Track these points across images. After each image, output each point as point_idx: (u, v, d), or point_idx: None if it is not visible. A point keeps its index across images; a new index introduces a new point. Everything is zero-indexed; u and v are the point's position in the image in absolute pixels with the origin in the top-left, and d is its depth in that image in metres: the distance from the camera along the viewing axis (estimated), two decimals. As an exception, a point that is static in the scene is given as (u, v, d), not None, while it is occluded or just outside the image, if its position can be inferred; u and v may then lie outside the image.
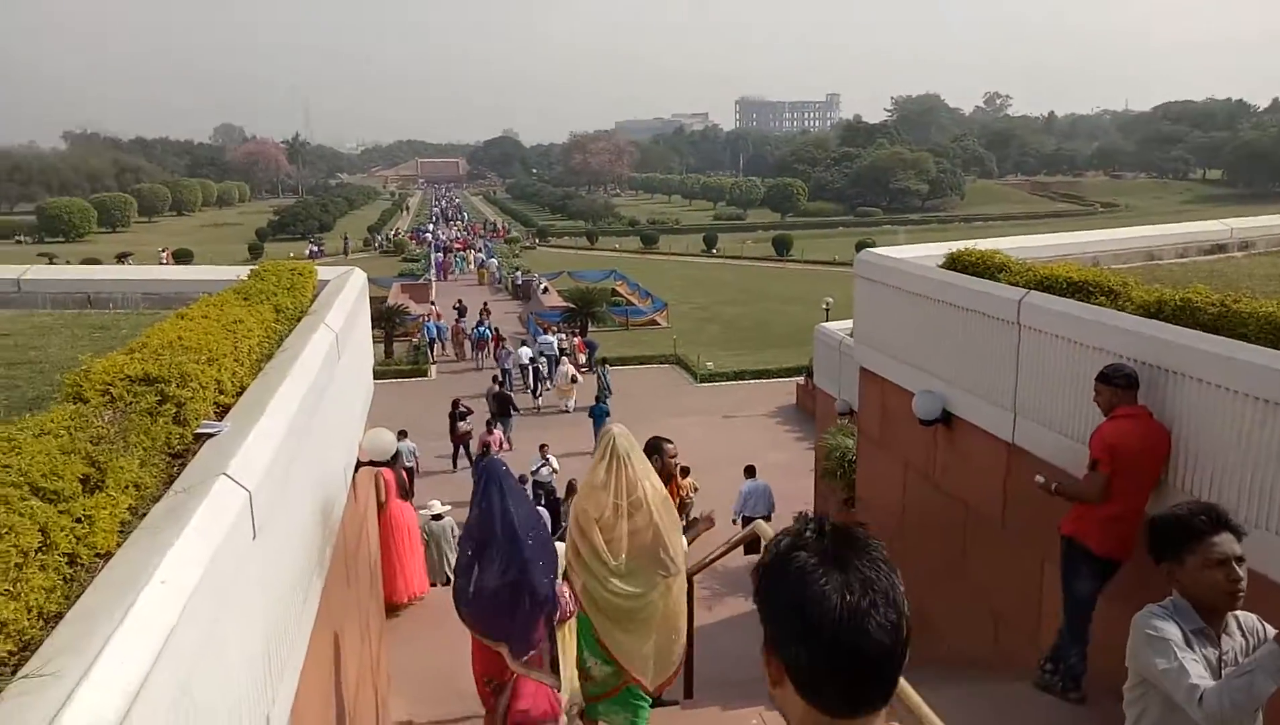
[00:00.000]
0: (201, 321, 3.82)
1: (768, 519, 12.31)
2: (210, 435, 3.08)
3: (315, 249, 61.14)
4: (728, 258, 60.13)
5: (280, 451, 3.06)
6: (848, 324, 9.82)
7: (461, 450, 19.49)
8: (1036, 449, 5.51)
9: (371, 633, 6.18)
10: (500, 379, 23.29)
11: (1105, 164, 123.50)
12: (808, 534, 1.33)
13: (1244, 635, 2.70)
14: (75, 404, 2.70)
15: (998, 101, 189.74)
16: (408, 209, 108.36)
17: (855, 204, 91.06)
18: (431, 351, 30.24)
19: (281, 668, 2.94)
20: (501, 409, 20.40)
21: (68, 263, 36.74)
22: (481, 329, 30.58)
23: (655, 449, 5.09)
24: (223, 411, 3.41)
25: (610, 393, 22.36)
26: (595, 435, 20.63)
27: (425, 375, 28.38)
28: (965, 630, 6.42)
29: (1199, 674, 2.55)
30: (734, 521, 13.13)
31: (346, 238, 66.33)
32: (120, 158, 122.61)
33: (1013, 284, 5.87)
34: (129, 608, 1.80)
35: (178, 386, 2.99)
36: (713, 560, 5.78)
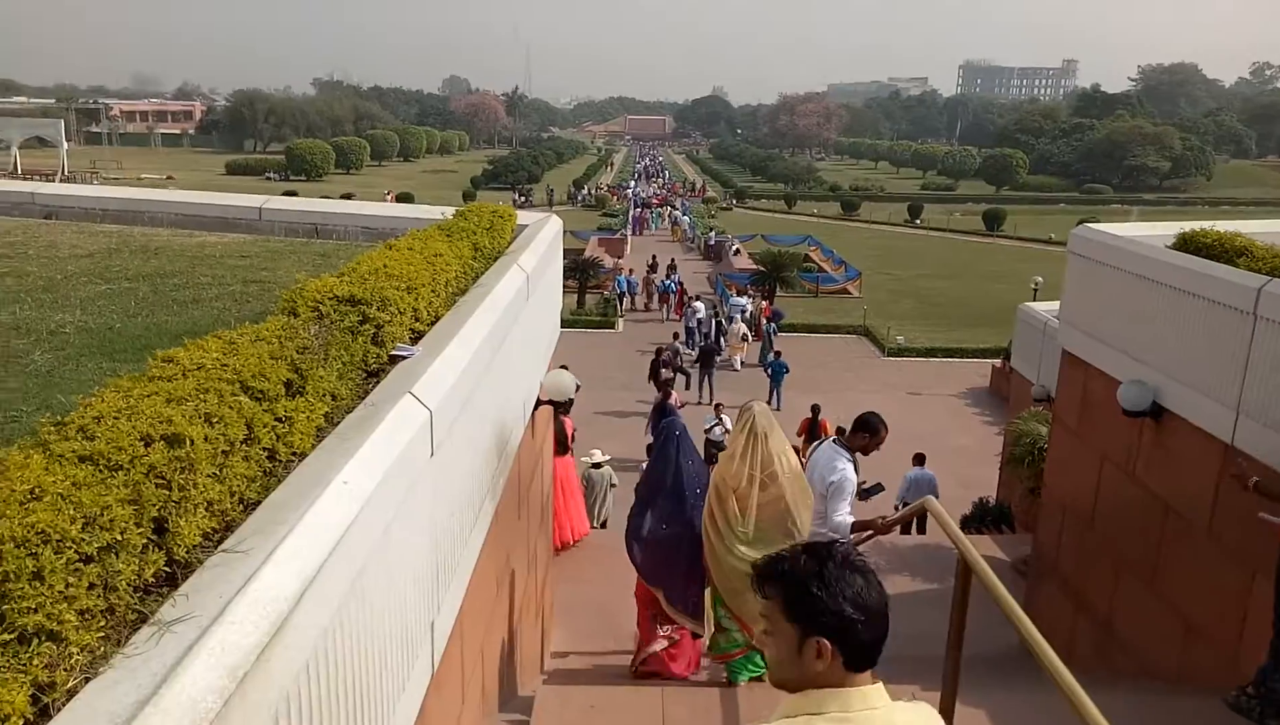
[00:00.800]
0: (406, 253, 4.07)
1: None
2: (403, 357, 3.30)
3: (520, 199, 63.87)
4: (932, 229, 57.48)
5: (462, 379, 3.24)
6: (1055, 306, 9.15)
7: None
8: (1260, 453, 4.94)
9: (539, 564, 6.48)
10: (679, 336, 23.57)
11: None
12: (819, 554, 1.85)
13: None
14: (288, 317, 2.96)
15: (1267, 73, 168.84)
16: (612, 165, 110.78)
17: (1083, 180, 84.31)
18: (620, 304, 30.95)
19: (449, 579, 3.13)
20: (705, 361, 21.06)
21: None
22: (668, 282, 31.36)
23: (868, 426, 5.44)
24: (416, 337, 3.65)
25: (772, 349, 22.69)
26: (771, 390, 20.67)
27: (613, 327, 29.13)
28: (1150, 639, 5.92)
29: None
30: (895, 508, 12.14)
31: (551, 190, 68.81)
32: (359, 104, 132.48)
33: (1254, 271, 5.26)
34: (313, 502, 1.97)
35: (378, 310, 3.21)
36: (874, 534, 5.68)
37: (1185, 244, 5.96)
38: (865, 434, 5.58)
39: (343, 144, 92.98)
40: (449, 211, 5.89)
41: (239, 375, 2.23)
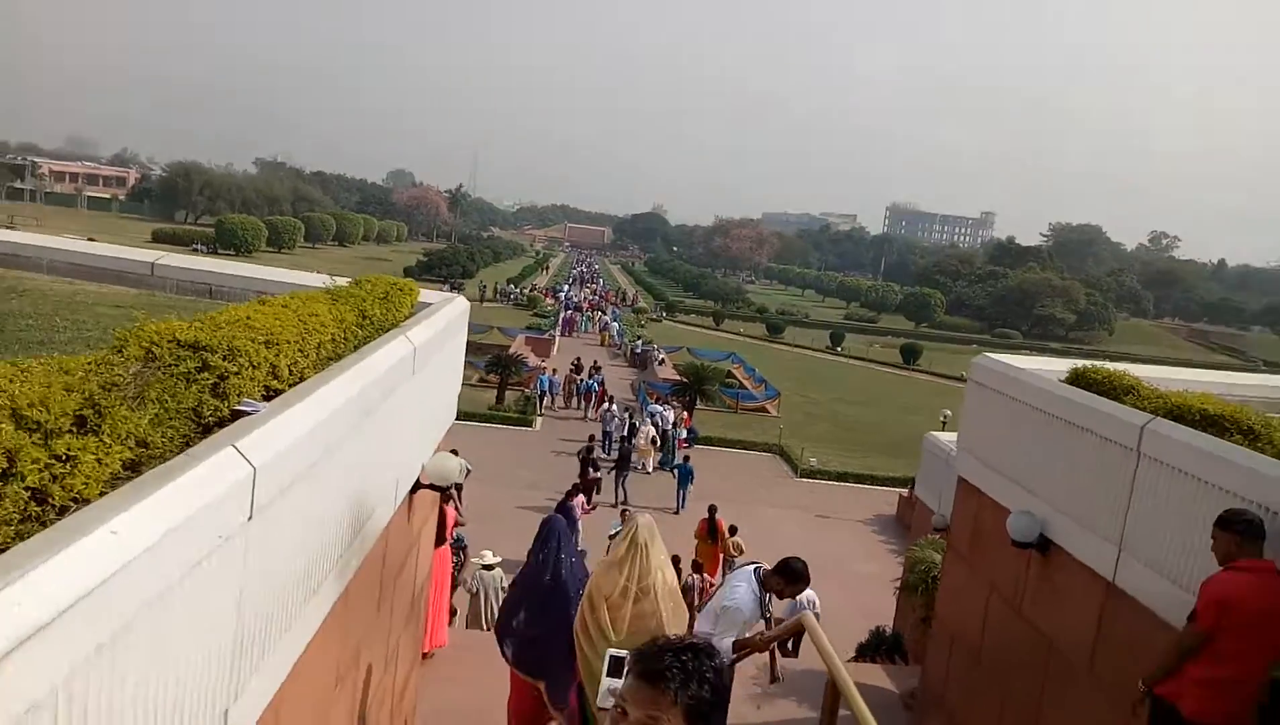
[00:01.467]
0: (279, 310, 3.84)
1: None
2: (247, 413, 3.04)
3: (448, 291, 63.90)
4: (852, 357, 59.14)
5: (306, 441, 2.98)
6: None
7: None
8: (1139, 593, 4.91)
9: (401, 662, 6.03)
10: (597, 437, 23.39)
11: (1277, 321, 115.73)
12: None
13: None
14: (112, 353, 2.69)
15: (1164, 241, 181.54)
16: (548, 268, 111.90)
17: (994, 324, 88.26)
18: (540, 403, 30.68)
19: (259, 662, 2.79)
20: (621, 465, 21.22)
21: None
22: (590, 382, 31.53)
23: (788, 572, 5.38)
24: (272, 394, 3.38)
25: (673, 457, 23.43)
26: (678, 493, 20.54)
27: (530, 425, 28.74)
28: (1036, 784, 5.74)
29: None
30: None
31: (484, 285, 68.98)
32: (299, 187, 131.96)
33: (1139, 408, 5.35)
34: (60, 550, 1.69)
35: (224, 358, 2.97)
36: (751, 651, 5.45)
37: (1077, 379, 6.08)
38: (783, 579, 5.44)
39: (277, 222, 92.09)
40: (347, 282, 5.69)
41: (13, 402, 1.95)
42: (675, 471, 21.97)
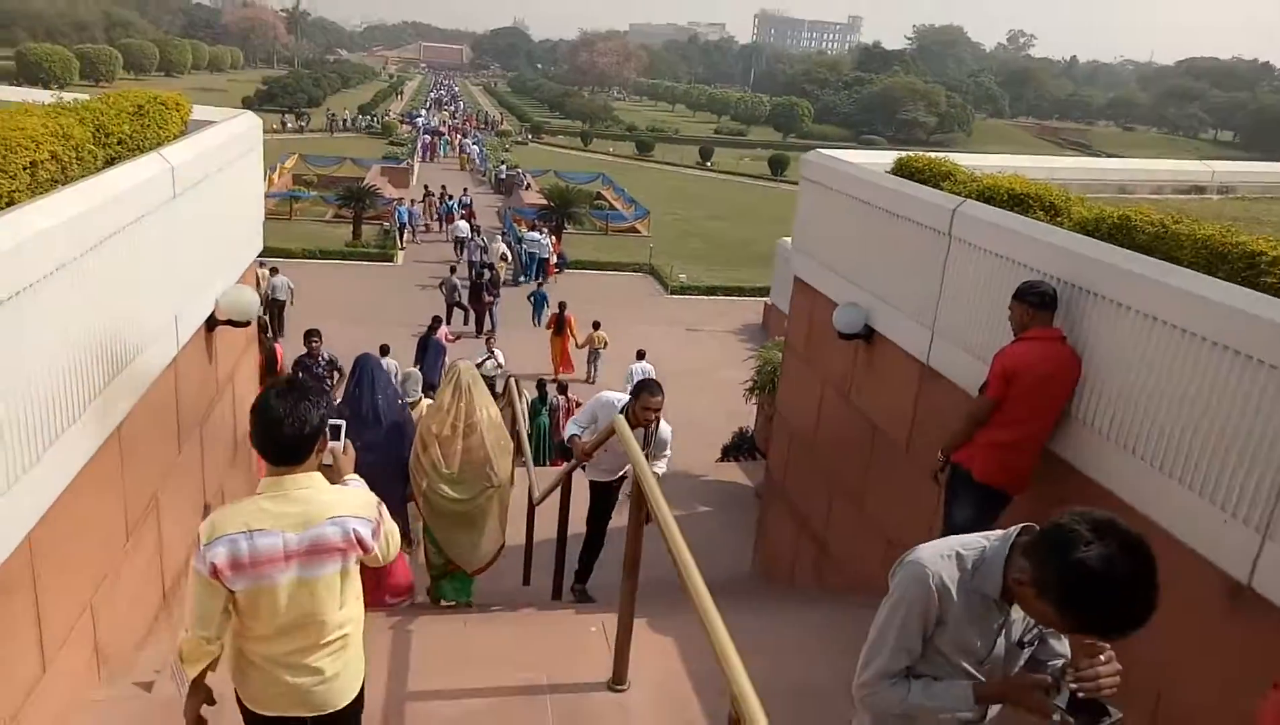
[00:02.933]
0: (-28, 124, 3.27)
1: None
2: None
3: (298, 123, 59.75)
4: (722, 172, 58.92)
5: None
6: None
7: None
8: (950, 372, 5.08)
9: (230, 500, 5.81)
10: (455, 268, 22.71)
11: (1120, 115, 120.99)
12: None
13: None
14: None
15: (1021, 40, 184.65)
16: (402, 93, 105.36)
17: (861, 131, 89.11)
18: (401, 237, 29.54)
19: None
20: (482, 291, 20.41)
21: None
22: (450, 203, 30.73)
23: (638, 393, 5.60)
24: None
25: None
26: (534, 315, 21.59)
27: (392, 260, 27.73)
28: (858, 556, 6.11)
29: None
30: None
31: (332, 115, 64.62)
32: (111, 10, 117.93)
33: (954, 194, 5.36)
34: None
35: None
36: (577, 463, 5.92)
37: (900, 169, 6.04)
38: (634, 401, 5.62)
39: (90, 53, 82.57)
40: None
41: None
42: (531, 298, 22.44)
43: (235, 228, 5.72)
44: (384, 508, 2.93)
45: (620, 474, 6.21)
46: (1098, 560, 1.85)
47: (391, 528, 2.95)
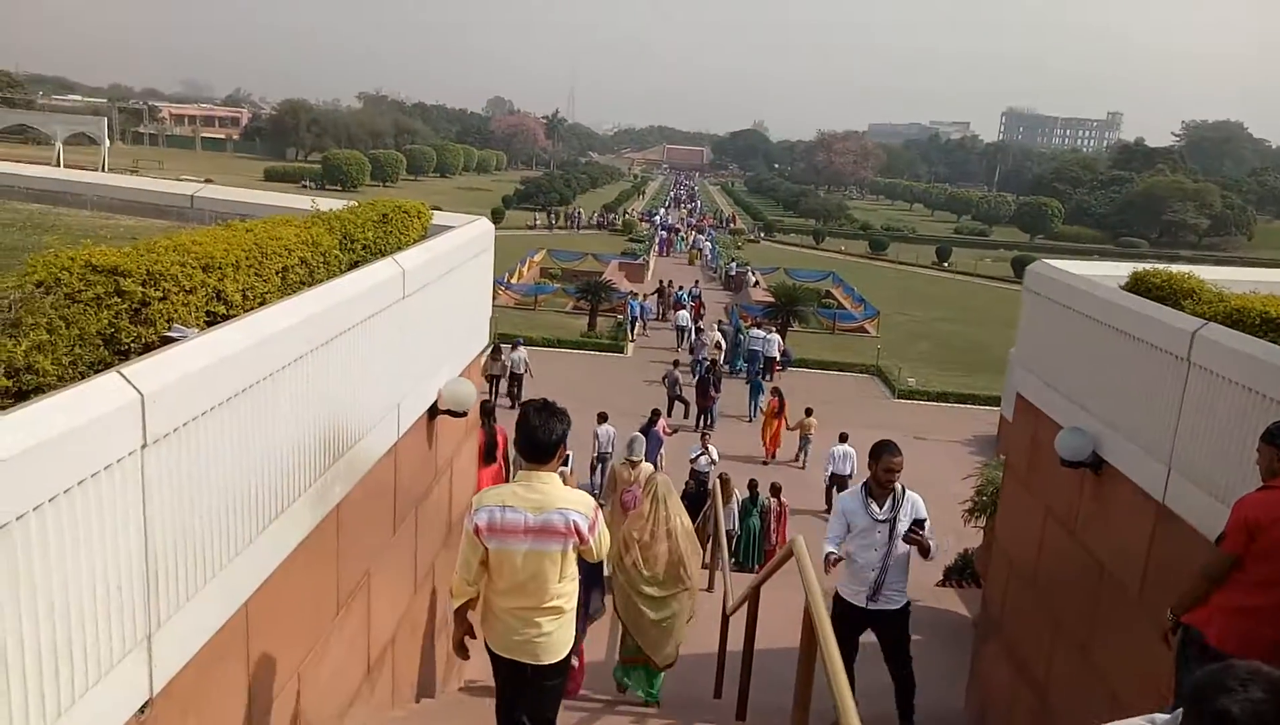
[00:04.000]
0: (242, 234, 3.79)
1: (849, 478, 16.51)
2: (175, 339, 3.00)
3: (549, 219, 64.35)
4: (959, 273, 56.76)
5: (229, 366, 2.92)
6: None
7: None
8: (1190, 515, 4.49)
9: (442, 584, 6.14)
10: (679, 362, 23.20)
11: None
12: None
13: None
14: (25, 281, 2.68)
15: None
16: (644, 192, 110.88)
17: (1119, 233, 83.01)
18: (632, 330, 30.66)
19: (187, 590, 2.79)
20: (702, 388, 20.96)
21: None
22: (680, 293, 33.26)
23: (878, 455, 5.74)
24: (217, 321, 3.35)
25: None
26: (750, 403, 22.50)
27: (622, 351, 28.78)
28: (1083, 711, 5.43)
29: None
30: (825, 483, 17.15)
31: (578, 212, 68.90)
32: (401, 119, 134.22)
33: (1197, 314, 4.82)
34: None
35: (143, 284, 2.92)
36: (759, 584, 5.79)
37: (1135, 285, 5.54)
38: (874, 462, 5.71)
39: (380, 156, 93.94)
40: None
41: None
42: (749, 386, 23.50)
43: (461, 324, 6.19)
44: (600, 512, 3.88)
45: (901, 601, 5.83)
46: (1241, 708, 1.70)
47: (603, 530, 3.88)
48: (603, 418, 16.63)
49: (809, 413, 19.25)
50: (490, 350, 22.53)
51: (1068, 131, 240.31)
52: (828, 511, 17.10)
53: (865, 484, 5.61)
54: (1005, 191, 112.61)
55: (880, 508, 5.60)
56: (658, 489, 6.27)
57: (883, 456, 5.53)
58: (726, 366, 25.41)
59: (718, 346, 25.33)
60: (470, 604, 3.93)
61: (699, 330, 28.33)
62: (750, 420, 21.89)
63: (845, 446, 17.13)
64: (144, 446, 2.48)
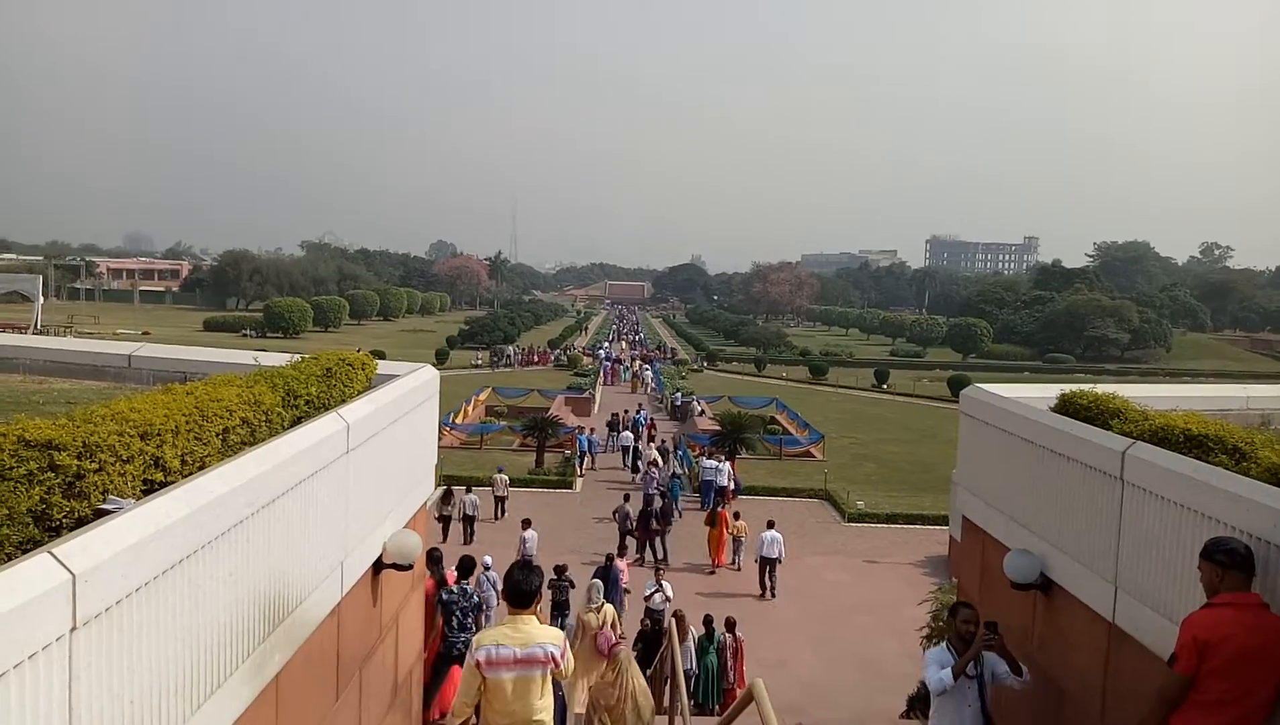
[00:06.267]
0: (182, 397, 3.75)
1: (778, 562, 18.84)
2: (109, 512, 2.91)
3: (494, 358, 64.79)
4: (898, 394, 57.97)
5: (167, 537, 2.83)
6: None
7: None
8: (1141, 635, 4.51)
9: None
10: (629, 497, 22.89)
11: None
12: None
13: None
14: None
15: (1216, 252, 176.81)
16: (586, 329, 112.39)
17: (1045, 349, 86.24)
18: (580, 464, 30.46)
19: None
20: (652, 520, 20.96)
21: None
22: (637, 416, 34.98)
23: (955, 612, 5.72)
24: (154, 488, 3.26)
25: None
26: (706, 505, 24.13)
27: (571, 487, 28.48)
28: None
29: None
30: (755, 561, 19.17)
31: (515, 350, 69.63)
32: (344, 265, 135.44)
33: (1124, 433, 5.00)
34: None
35: (79, 456, 2.85)
36: None
37: (1064, 406, 5.73)
38: (951, 619, 5.69)
39: (322, 302, 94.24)
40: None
41: None
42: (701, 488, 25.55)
43: (407, 473, 6.11)
44: (567, 641, 4.96)
45: None
46: None
47: (570, 656, 4.91)
48: (527, 523, 18.49)
49: (737, 516, 21.48)
50: (441, 492, 22.33)
51: (989, 255, 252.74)
52: (761, 595, 18.80)
53: (948, 641, 5.53)
54: (936, 314, 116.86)
55: (965, 662, 5.41)
56: (620, 659, 7.76)
57: (960, 611, 5.53)
58: (670, 479, 26.15)
59: (653, 464, 26.24)
60: (467, 721, 4.83)
61: (637, 451, 29.91)
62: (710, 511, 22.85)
63: (773, 532, 18.92)
64: (73, 629, 2.37)
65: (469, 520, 21.88)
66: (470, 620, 8.42)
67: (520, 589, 4.78)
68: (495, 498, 24.04)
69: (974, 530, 6.57)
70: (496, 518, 23.59)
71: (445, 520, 21.81)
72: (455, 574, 9.35)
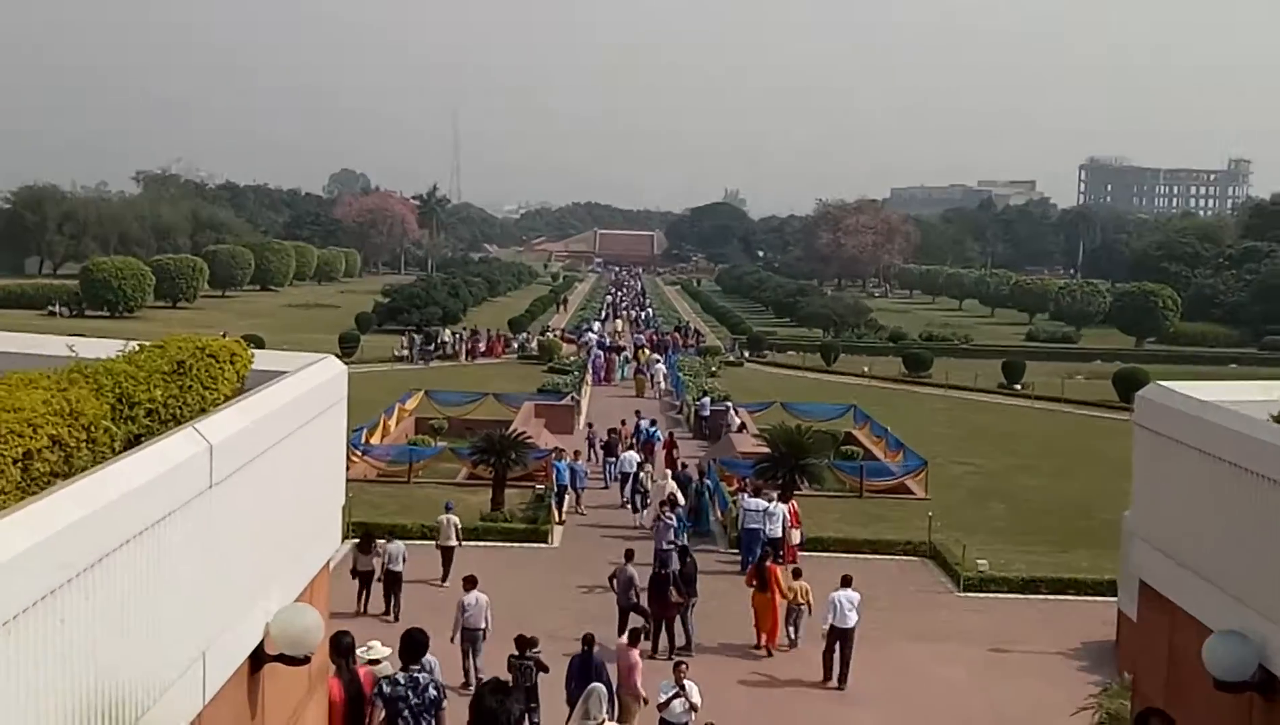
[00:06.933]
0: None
1: (852, 634, 19.00)
2: None
3: (427, 347, 64.42)
4: (1039, 398, 58.00)
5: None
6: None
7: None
8: None
9: None
10: (633, 553, 22.85)
11: None
12: None
13: None
14: None
15: None
16: (566, 302, 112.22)
17: (1264, 331, 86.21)
18: (560, 506, 30.46)
19: None
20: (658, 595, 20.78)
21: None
22: (652, 431, 37.28)
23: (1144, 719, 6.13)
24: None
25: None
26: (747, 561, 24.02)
27: (546, 540, 28.51)
28: None
29: None
30: (822, 634, 19.31)
31: (452, 334, 69.25)
32: (201, 209, 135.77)
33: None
34: None
35: None
36: None
37: (1299, 412, 5.74)
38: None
39: (169, 264, 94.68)
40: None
41: None
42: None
43: (300, 519, 6.13)
44: None
45: None
46: None
47: None
48: (471, 583, 18.63)
49: (797, 575, 21.24)
50: (359, 540, 22.39)
51: (1173, 189, 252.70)
52: (824, 681, 19.12)
53: None
54: (1094, 277, 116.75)
55: None
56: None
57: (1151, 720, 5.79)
58: (690, 527, 26.27)
59: (672, 501, 26.06)
60: None
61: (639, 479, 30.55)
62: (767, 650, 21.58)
63: (847, 592, 19.21)
64: None
65: (394, 580, 21.97)
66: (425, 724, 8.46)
67: (498, 722, 4.97)
68: (440, 550, 24.23)
69: (1157, 602, 6.59)
70: (443, 581, 23.52)
71: (364, 579, 21.87)
72: (401, 657, 9.37)
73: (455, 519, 24.84)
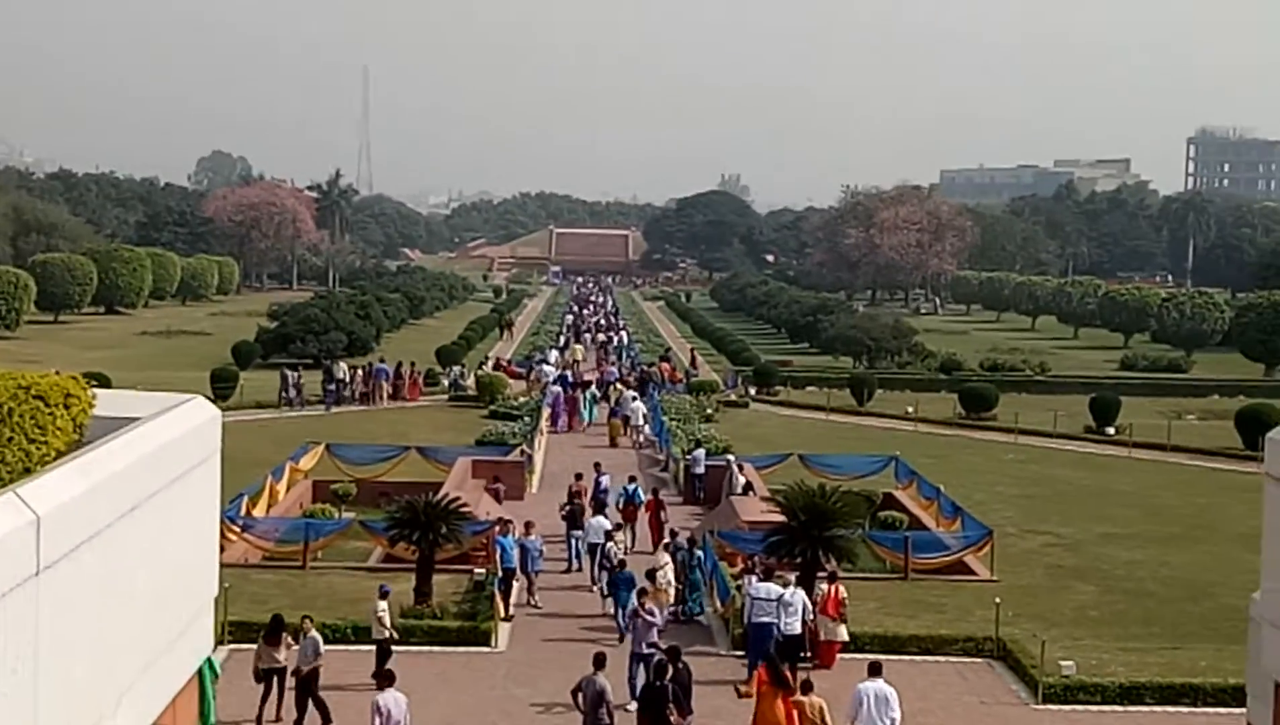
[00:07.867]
0: None
1: None
2: None
3: (294, 392, 63.01)
4: (1137, 445, 58.23)
5: None
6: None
7: None
8: None
9: None
10: (604, 658, 22.82)
11: None
12: None
13: None
14: None
15: None
16: (511, 326, 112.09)
17: None
18: (507, 597, 30.38)
19: None
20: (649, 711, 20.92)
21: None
22: (632, 487, 37.70)
23: None
24: None
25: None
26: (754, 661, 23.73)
27: (486, 642, 28.44)
28: None
29: None
30: None
31: (360, 371, 68.78)
32: (25, 205, 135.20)
33: None
34: None
35: None
36: None
37: None
38: None
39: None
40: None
41: None
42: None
43: (160, 618, 6.07)
44: None
45: None
46: None
47: None
48: (385, 680, 20.60)
49: (807, 689, 20.76)
50: (266, 629, 22.33)
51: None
52: None
53: None
54: (1208, 286, 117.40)
55: None
56: None
57: None
58: (682, 612, 27.32)
59: (665, 584, 27.00)
60: None
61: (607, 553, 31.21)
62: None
63: (877, 683, 19.98)
64: None
65: (307, 682, 22.25)
66: None
67: None
68: (375, 643, 25.18)
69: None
70: (380, 683, 23.07)
71: (270, 679, 22.09)
72: None
73: (387, 609, 25.55)
